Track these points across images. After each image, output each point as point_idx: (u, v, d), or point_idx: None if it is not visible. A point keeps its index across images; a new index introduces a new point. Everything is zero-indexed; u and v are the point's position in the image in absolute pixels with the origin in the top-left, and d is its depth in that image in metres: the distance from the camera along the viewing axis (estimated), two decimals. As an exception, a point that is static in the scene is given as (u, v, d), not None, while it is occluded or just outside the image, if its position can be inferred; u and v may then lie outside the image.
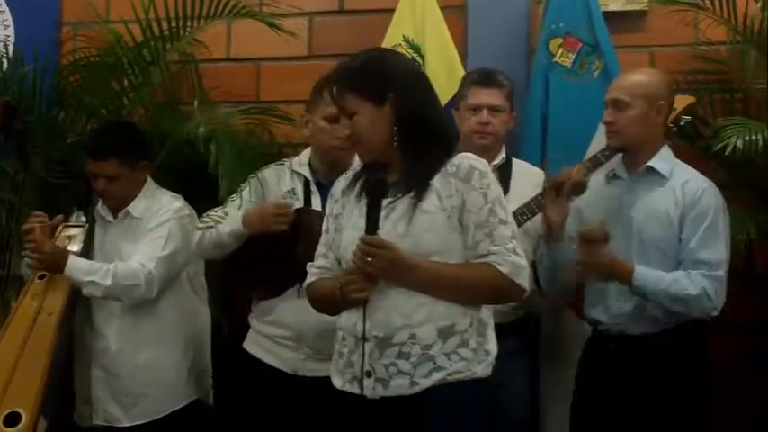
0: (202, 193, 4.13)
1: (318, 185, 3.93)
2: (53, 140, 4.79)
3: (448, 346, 2.91)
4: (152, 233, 4.10)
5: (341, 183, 3.24)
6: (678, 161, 3.84)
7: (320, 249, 3.24)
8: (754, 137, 3.96)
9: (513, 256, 2.94)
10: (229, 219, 3.85)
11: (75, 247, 4.20)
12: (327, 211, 3.25)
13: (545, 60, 4.70)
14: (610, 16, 4.77)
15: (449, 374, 2.90)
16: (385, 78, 3.00)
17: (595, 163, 3.91)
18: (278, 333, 3.86)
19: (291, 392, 3.80)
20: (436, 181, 2.96)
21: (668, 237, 3.67)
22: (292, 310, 3.78)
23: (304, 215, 3.78)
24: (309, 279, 3.24)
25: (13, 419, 3.72)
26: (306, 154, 4.03)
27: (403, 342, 2.90)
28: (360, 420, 2.99)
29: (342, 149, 3.78)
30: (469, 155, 3.01)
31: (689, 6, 4.62)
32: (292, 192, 3.91)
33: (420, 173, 2.98)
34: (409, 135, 2.98)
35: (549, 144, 4.60)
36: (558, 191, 3.77)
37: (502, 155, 4.24)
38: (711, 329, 3.76)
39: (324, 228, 3.24)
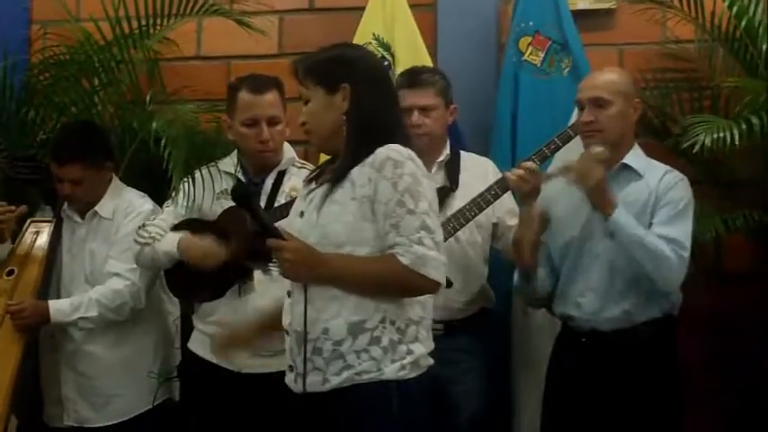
0: (170, 192, 4.11)
1: (251, 184, 3.94)
2: (23, 138, 4.78)
3: (358, 343, 2.87)
4: (126, 240, 4.08)
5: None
6: (650, 159, 3.86)
7: None
8: (722, 134, 3.96)
9: (416, 247, 2.83)
10: (166, 237, 3.86)
11: (42, 240, 4.19)
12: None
13: (514, 58, 4.71)
14: (578, 15, 4.80)
15: (356, 374, 2.86)
16: (340, 68, 3.00)
17: (542, 156, 3.92)
18: (220, 332, 3.83)
19: (239, 390, 3.81)
20: (355, 171, 2.91)
21: (642, 227, 3.66)
22: (233, 309, 3.80)
23: (229, 214, 3.77)
24: None
25: (-18, 417, 3.71)
26: (235, 155, 4.05)
27: (317, 337, 2.88)
28: (290, 414, 3.00)
29: (265, 152, 3.88)
30: (393, 146, 2.91)
31: (656, 5, 4.64)
32: (225, 192, 3.88)
33: (342, 163, 2.96)
34: (354, 127, 2.96)
35: (518, 142, 4.61)
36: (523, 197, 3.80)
37: (446, 151, 4.23)
38: (681, 326, 3.78)
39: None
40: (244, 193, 2.94)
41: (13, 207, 4.11)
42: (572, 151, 3.89)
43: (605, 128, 3.73)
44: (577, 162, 3.68)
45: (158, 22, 4.91)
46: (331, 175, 2.98)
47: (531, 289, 3.93)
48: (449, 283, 3.99)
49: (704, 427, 4.26)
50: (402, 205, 2.85)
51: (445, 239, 3.93)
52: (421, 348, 2.95)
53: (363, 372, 2.86)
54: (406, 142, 2.98)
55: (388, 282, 2.88)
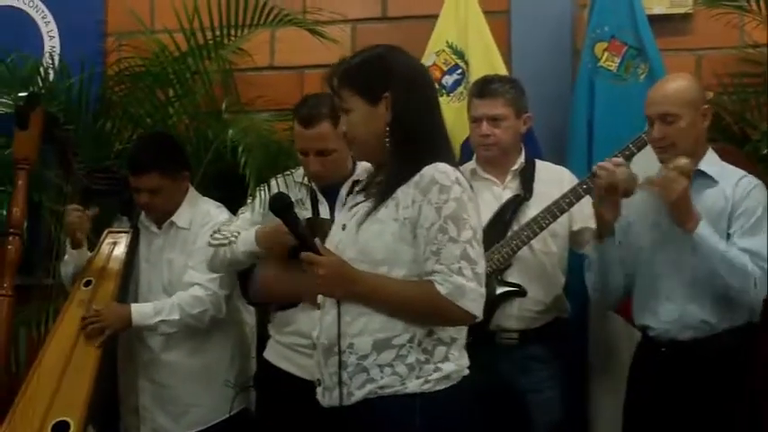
0: (245, 200, 4.13)
1: (324, 193, 3.93)
2: (99, 150, 4.84)
3: (382, 358, 2.81)
4: (204, 250, 4.05)
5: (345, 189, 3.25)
6: (725, 164, 3.80)
7: None
8: (802, 139, 3.92)
9: (455, 277, 2.76)
10: (242, 236, 3.86)
11: (119, 251, 4.23)
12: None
13: (590, 64, 4.67)
14: (654, 20, 4.73)
15: (379, 387, 2.81)
16: (381, 77, 2.90)
17: (628, 155, 3.89)
18: (297, 342, 3.84)
19: (316, 401, 3.81)
20: (400, 190, 2.84)
21: (719, 235, 3.61)
22: (310, 319, 3.78)
23: (313, 225, 3.74)
24: None
25: (61, 428, 3.72)
26: None
27: (343, 351, 2.84)
28: (319, 427, 2.98)
29: (317, 178, 3.90)
30: (441, 166, 2.83)
31: (734, 9, 4.58)
32: (300, 202, 3.86)
33: (388, 179, 2.89)
34: (397, 139, 2.88)
35: (595, 148, 4.56)
36: (610, 188, 3.73)
37: (521, 159, 4.19)
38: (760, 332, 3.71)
39: None
40: (281, 205, 2.88)
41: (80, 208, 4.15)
42: (649, 157, 3.84)
43: (677, 142, 3.68)
44: (660, 174, 3.61)
45: (232, 32, 4.96)
46: (376, 190, 2.93)
47: (606, 290, 3.90)
48: (522, 292, 4.00)
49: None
50: (445, 232, 2.77)
51: (518, 248, 3.96)
52: (451, 366, 2.87)
53: (386, 386, 2.81)
54: (448, 151, 2.96)
55: (423, 308, 2.81)
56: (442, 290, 2.76)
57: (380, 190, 2.89)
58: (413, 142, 2.88)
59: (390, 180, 2.88)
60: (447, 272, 2.76)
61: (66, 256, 4.24)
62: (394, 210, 2.83)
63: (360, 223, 2.86)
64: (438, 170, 2.81)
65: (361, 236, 2.85)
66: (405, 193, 2.83)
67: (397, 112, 2.87)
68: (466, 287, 2.77)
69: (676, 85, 3.75)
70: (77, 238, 4.19)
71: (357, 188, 3.12)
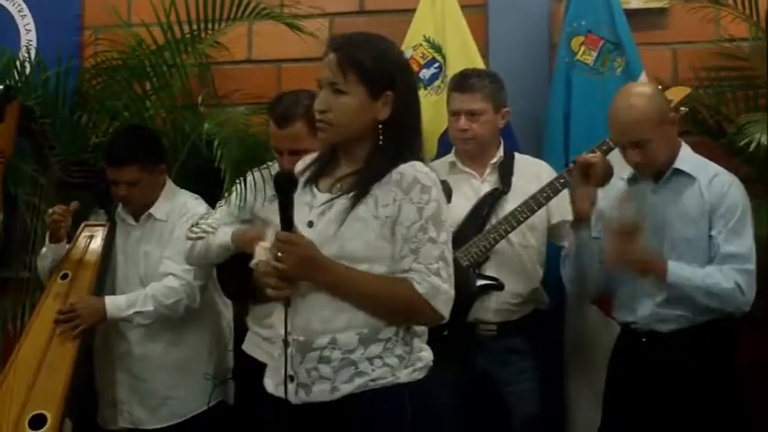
0: (222, 193, 4.12)
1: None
2: (76, 143, 4.82)
3: (370, 351, 2.81)
4: (181, 241, 4.06)
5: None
6: (700, 157, 3.81)
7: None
8: (777, 133, 3.93)
9: (433, 278, 2.78)
10: (220, 232, 3.87)
11: (96, 244, 4.22)
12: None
13: (567, 58, 4.68)
14: (631, 14, 4.75)
15: (371, 380, 2.80)
16: (389, 74, 2.86)
17: (606, 149, 3.91)
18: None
19: None
20: (377, 187, 2.83)
21: (699, 235, 3.64)
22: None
23: None
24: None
25: (38, 422, 3.71)
26: None
27: (323, 346, 2.80)
28: (286, 426, 2.90)
29: None
30: (419, 165, 2.84)
31: (710, 3, 4.61)
32: (276, 196, 3.86)
33: (369, 176, 2.85)
34: (389, 138, 2.86)
35: (571, 142, 4.58)
36: (586, 177, 3.74)
37: (500, 153, 4.22)
38: (740, 325, 3.73)
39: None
40: (285, 183, 2.79)
41: (65, 207, 4.14)
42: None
43: (654, 161, 3.68)
44: (608, 256, 3.63)
45: (209, 26, 4.94)
46: (348, 185, 2.88)
47: (583, 282, 3.93)
48: (500, 286, 4.01)
49: (761, 429, 4.20)
50: (425, 232, 2.78)
51: (496, 242, 3.98)
52: (427, 355, 2.92)
53: (378, 378, 2.81)
54: (421, 150, 2.95)
55: (397, 305, 2.82)
56: (419, 288, 2.77)
57: (356, 186, 2.85)
58: (402, 141, 2.87)
59: (369, 177, 2.85)
60: (425, 271, 2.77)
61: (43, 249, 4.22)
62: (373, 207, 2.81)
63: (340, 222, 2.82)
64: (417, 170, 2.81)
65: (342, 234, 2.81)
66: (384, 191, 2.82)
67: (395, 111, 2.85)
68: (441, 288, 2.79)
69: (640, 106, 3.67)
70: (60, 234, 4.17)
71: (304, 178, 3.02)
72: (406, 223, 2.79)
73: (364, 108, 2.84)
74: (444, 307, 2.81)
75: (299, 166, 3.10)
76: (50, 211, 4.10)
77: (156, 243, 4.20)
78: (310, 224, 2.87)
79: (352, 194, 2.84)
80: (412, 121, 2.92)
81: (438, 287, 2.78)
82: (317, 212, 2.88)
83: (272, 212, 3.76)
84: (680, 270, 3.58)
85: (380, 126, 2.85)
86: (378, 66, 2.86)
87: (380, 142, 2.86)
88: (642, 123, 3.63)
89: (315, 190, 2.96)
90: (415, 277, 2.77)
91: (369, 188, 2.83)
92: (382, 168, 2.84)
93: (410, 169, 2.81)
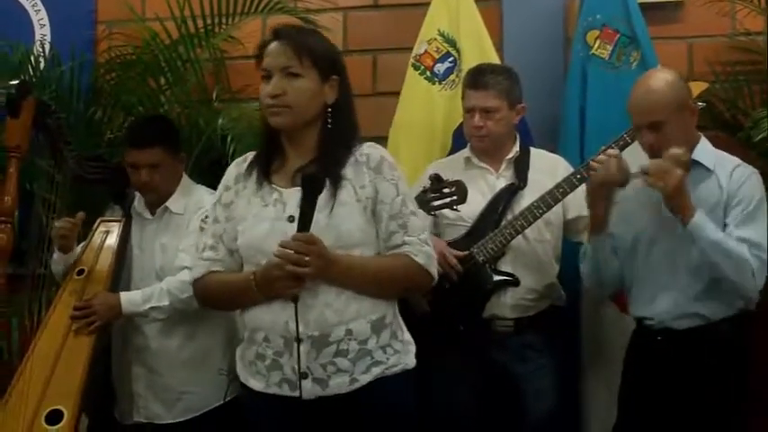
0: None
1: None
2: (91, 138, 4.84)
3: (382, 339, 2.93)
4: (196, 234, 4.03)
5: (233, 170, 3.15)
6: (719, 151, 3.78)
7: (208, 241, 3.11)
8: (794, 126, 3.92)
9: (426, 247, 2.98)
10: None
11: (111, 240, 4.22)
12: (216, 198, 3.15)
13: (582, 53, 4.67)
14: (646, 7, 4.73)
15: (387, 369, 2.92)
16: (335, 61, 3.04)
17: (623, 145, 3.88)
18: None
19: None
20: (348, 171, 2.94)
21: (716, 225, 3.59)
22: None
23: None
24: (199, 271, 3.13)
25: (55, 417, 3.70)
26: None
27: (340, 339, 2.86)
28: (296, 422, 2.93)
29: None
30: (374, 144, 3.05)
31: (725, -3, 4.60)
32: None
33: (334, 162, 2.94)
34: (337, 122, 2.98)
35: (587, 136, 4.57)
36: (603, 187, 3.72)
37: (515, 148, 4.21)
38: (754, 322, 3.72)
39: (212, 217, 3.14)
40: (313, 182, 2.82)
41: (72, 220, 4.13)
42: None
43: (667, 146, 3.59)
44: (655, 164, 3.55)
45: (223, 20, 4.98)
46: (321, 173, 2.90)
47: (601, 283, 3.91)
48: (516, 282, 4.00)
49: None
50: (406, 206, 2.98)
51: (513, 237, 3.97)
52: (411, 338, 3.10)
53: (392, 365, 2.93)
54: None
55: (404, 279, 2.99)
56: (418, 260, 2.95)
57: (326, 172, 2.89)
58: (348, 124, 3.02)
59: (334, 161, 2.95)
60: (418, 243, 2.96)
61: (54, 255, 4.21)
62: (353, 192, 2.93)
63: (328, 209, 2.88)
64: (379, 149, 3.03)
65: (333, 221, 2.88)
66: (357, 173, 2.95)
67: (340, 95, 2.99)
68: (431, 254, 3.01)
69: (658, 90, 3.66)
70: (66, 246, 4.17)
71: (252, 178, 3.07)
72: (387, 200, 2.94)
73: (316, 90, 2.97)
74: (435, 270, 3.05)
75: (234, 169, 3.16)
76: (56, 225, 4.08)
77: (172, 236, 4.18)
78: (291, 219, 2.91)
79: (329, 183, 2.89)
80: (352, 106, 3.07)
81: (430, 254, 3.00)
82: (294, 206, 2.90)
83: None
84: (705, 221, 3.51)
85: (329, 110, 2.98)
86: (325, 52, 3.02)
87: (329, 125, 2.97)
88: (660, 104, 3.62)
89: (274, 186, 3.01)
90: (411, 250, 2.96)
91: (340, 172, 2.93)
92: (341, 151, 2.96)
93: (373, 150, 3.00)
